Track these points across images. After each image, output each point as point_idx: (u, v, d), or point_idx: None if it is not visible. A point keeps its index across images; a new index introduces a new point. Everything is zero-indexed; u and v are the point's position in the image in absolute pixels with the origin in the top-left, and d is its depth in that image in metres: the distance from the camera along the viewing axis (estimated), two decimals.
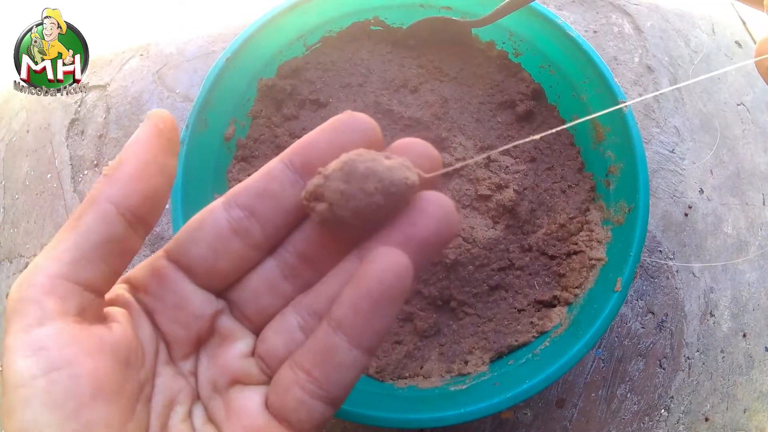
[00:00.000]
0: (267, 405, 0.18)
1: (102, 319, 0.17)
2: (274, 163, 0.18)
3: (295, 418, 0.17)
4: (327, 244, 0.18)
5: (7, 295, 0.49)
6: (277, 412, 0.17)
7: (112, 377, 0.15)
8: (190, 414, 0.18)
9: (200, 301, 0.18)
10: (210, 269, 0.18)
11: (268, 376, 0.18)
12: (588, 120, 0.37)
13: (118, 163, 0.17)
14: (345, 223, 0.17)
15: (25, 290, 0.15)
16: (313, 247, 0.19)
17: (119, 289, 0.18)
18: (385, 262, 0.16)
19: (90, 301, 0.16)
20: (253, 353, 0.19)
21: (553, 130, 0.20)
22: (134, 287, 0.19)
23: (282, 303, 0.19)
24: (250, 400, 0.18)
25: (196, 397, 0.18)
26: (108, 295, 0.18)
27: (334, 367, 0.17)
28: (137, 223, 0.17)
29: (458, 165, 0.20)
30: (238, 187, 0.18)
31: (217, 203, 0.18)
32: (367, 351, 0.17)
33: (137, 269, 0.19)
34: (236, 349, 0.19)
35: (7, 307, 0.15)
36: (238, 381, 0.18)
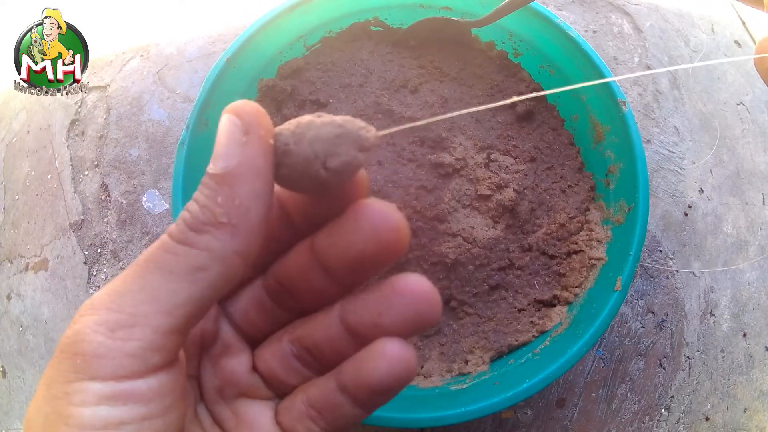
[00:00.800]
0: (277, 422, 0.18)
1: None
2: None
3: None
4: (306, 278, 0.18)
5: (7, 296, 0.49)
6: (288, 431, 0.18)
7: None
8: (196, 415, 0.18)
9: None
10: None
11: (271, 392, 0.19)
12: (587, 120, 0.37)
13: (241, 210, 0.14)
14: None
15: (122, 342, 0.14)
16: (291, 279, 0.18)
17: None
18: (389, 359, 0.16)
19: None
20: (253, 367, 0.19)
21: (533, 96, 0.20)
22: None
23: (270, 321, 0.19)
24: (263, 415, 0.18)
25: (200, 399, 0.19)
26: None
27: (340, 416, 0.17)
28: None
29: (407, 126, 0.18)
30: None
31: None
32: (371, 410, 0.17)
33: None
34: (242, 363, 0.19)
35: (81, 349, 0.14)
36: (245, 394, 0.19)
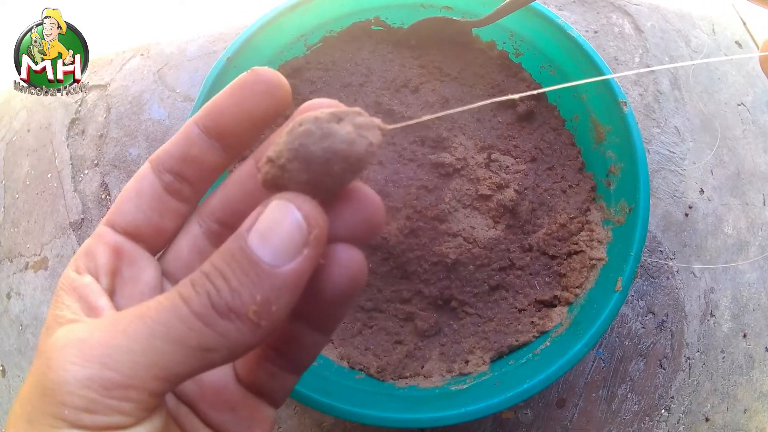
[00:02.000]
0: (239, 380, 0.19)
1: None
2: (190, 127, 0.18)
3: (268, 390, 0.18)
4: (245, 210, 0.18)
5: (7, 295, 0.49)
6: (251, 386, 0.18)
7: None
8: None
9: (152, 271, 0.19)
10: (156, 229, 0.19)
11: None
12: (588, 120, 0.37)
13: (272, 317, 0.14)
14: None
15: (116, 402, 0.13)
16: (233, 215, 0.19)
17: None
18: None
19: None
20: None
21: (529, 94, 0.20)
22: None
23: None
24: (221, 371, 0.19)
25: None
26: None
27: (302, 348, 0.18)
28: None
29: (413, 122, 0.18)
30: (161, 153, 0.19)
31: (146, 171, 0.19)
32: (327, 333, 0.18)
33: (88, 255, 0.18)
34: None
35: (69, 401, 0.13)
36: None
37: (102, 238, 0.18)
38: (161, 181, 0.19)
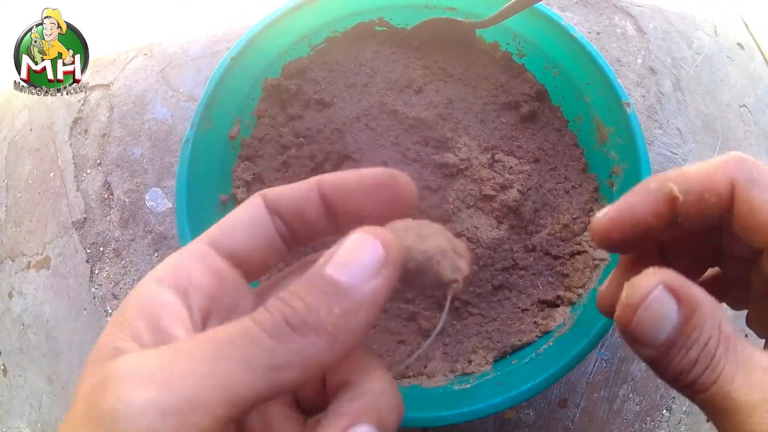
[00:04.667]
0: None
1: None
2: (312, 187, 0.18)
3: None
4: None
5: (9, 294, 0.49)
6: None
7: None
8: None
9: (251, 302, 0.18)
10: (262, 263, 0.19)
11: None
12: (591, 121, 0.37)
13: (350, 331, 0.14)
14: None
15: (174, 429, 0.12)
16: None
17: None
18: None
19: None
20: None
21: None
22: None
23: None
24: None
25: None
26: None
27: None
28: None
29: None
30: (277, 196, 0.18)
31: (260, 204, 0.18)
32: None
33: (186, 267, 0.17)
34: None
35: (124, 428, 0.12)
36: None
37: (203, 258, 0.17)
38: (272, 219, 0.18)
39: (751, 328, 0.21)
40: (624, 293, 0.16)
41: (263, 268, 0.19)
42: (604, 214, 0.18)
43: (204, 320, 0.17)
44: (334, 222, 0.19)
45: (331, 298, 0.14)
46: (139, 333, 0.15)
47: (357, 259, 0.14)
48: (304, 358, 0.13)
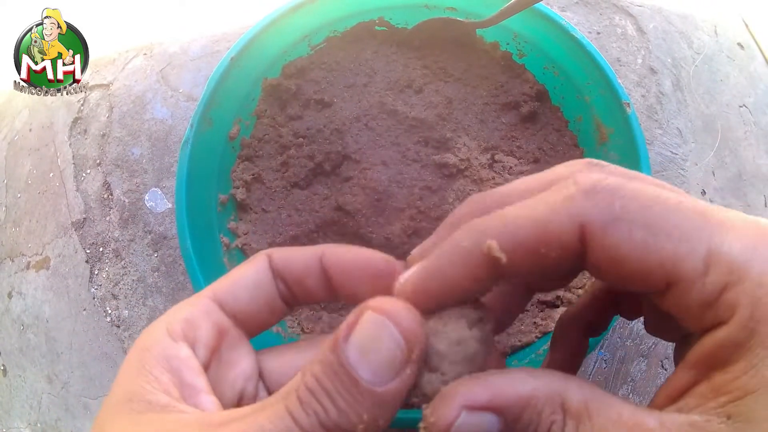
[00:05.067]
0: None
1: None
2: (315, 257, 0.19)
3: None
4: None
5: (9, 294, 0.49)
6: None
7: None
8: None
9: (250, 360, 0.19)
10: (262, 324, 0.19)
11: None
12: (591, 121, 0.37)
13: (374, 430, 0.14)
14: None
15: None
16: None
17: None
18: None
19: None
20: None
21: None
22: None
23: None
24: None
25: None
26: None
27: None
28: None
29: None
30: (282, 261, 0.19)
31: (265, 266, 0.19)
32: None
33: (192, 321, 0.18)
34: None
35: None
36: None
37: (208, 314, 0.18)
38: (276, 283, 0.19)
39: (654, 335, 0.19)
40: (422, 424, 0.15)
41: (264, 326, 0.20)
42: (405, 281, 0.16)
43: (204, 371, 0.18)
44: (333, 291, 0.19)
45: (357, 400, 0.14)
46: (168, 387, 0.16)
47: (377, 351, 0.14)
48: None
